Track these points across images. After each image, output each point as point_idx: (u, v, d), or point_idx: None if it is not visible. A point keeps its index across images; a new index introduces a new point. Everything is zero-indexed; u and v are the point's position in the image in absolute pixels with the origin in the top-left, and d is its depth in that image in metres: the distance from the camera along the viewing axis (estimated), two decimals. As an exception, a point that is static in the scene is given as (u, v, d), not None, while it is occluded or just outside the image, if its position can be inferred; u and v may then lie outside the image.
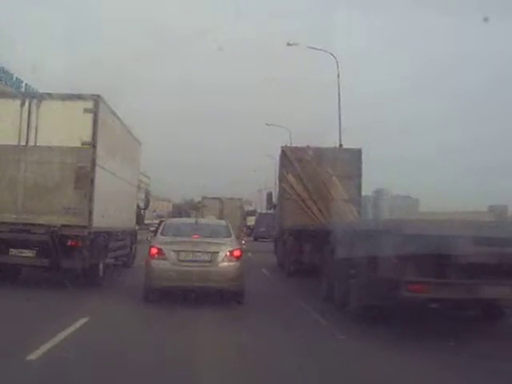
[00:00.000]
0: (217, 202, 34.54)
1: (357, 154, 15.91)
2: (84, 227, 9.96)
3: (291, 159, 15.92)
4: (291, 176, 15.77)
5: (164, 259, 8.96)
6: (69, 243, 9.96)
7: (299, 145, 16.80)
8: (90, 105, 10.13)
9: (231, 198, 36.24)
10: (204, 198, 35.93)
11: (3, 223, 10.00)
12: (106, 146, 10.76)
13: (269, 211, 49.55)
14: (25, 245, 10.06)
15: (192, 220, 11.03)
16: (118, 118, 12.19)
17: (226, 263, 9.06)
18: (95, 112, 10.14)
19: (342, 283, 8.90)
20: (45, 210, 9.98)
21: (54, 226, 9.87)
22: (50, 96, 10.38)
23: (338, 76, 21.79)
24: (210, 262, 9.02)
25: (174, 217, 20.13)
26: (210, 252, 9.06)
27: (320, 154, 15.84)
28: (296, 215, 15.24)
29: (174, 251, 8.99)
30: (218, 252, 9.08)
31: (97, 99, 10.23)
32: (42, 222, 9.94)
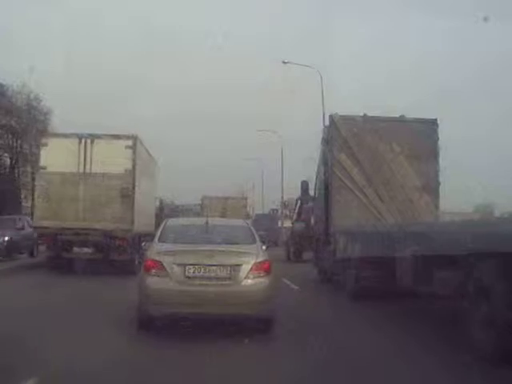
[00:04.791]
0: (220, 201, 32.04)
1: (431, 127, 12.56)
2: (128, 230, 14.00)
3: (344, 133, 12.36)
4: (344, 156, 12.33)
5: (165, 276, 6.76)
6: (117, 242, 13.96)
7: (348, 113, 12.93)
8: (130, 143, 14.13)
9: (235, 197, 33.75)
10: (204, 197, 33.26)
11: (68, 229, 13.94)
12: (140, 171, 14.80)
13: (265, 212, 52.82)
14: (84, 244, 14.06)
15: (201, 220, 8.42)
16: (146, 149, 16.22)
17: (251, 280, 6.86)
18: (134, 148, 14.17)
19: None
20: (99, 218, 13.94)
21: (107, 230, 13.88)
22: (100, 136, 14.37)
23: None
24: (229, 278, 6.82)
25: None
26: (228, 265, 6.85)
27: (381, 125, 12.48)
28: (353, 210, 12.04)
29: (179, 265, 6.79)
30: (240, 265, 6.88)
31: (135, 139, 14.28)
32: (97, 227, 13.90)
